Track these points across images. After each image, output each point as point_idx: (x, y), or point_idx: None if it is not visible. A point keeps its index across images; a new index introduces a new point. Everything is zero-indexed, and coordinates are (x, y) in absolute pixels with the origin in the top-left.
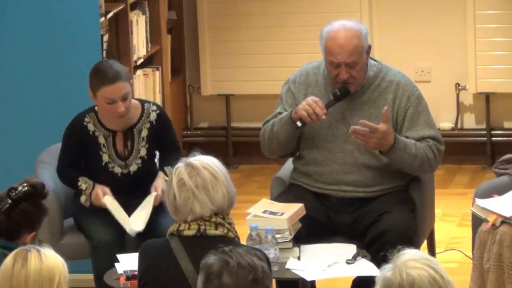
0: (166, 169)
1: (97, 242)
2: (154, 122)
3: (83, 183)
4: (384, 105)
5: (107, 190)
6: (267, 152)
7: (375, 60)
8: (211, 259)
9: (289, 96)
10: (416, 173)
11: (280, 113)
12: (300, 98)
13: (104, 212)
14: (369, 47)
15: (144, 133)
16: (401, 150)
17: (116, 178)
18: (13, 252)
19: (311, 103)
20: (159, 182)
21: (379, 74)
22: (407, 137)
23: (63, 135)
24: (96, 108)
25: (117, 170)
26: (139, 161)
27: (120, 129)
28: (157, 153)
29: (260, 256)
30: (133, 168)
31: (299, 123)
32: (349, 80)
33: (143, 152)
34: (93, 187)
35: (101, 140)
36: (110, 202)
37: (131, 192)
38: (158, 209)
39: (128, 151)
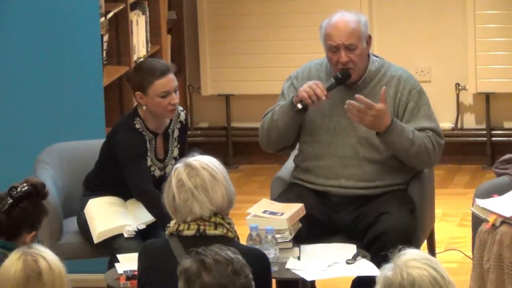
0: None
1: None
2: (183, 122)
3: None
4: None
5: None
6: (265, 144)
7: (377, 57)
8: (187, 262)
9: (291, 91)
10: (414, 163)
11: None
12: None
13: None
14: (369, 37)
15: (176, 133)
16: (397, 134)
17: (155, 180)
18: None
19: (312, 85)
20: None
21: (381, 69)
22: None
23: (122, 147)
24: (139, 111)
25: (157, 173)
26: (173, 161)
27: (162, 132)
28: None
29: (234, 250)
30: (168, 169)
31: (299, 105)
32: (349, 64)
33: (176, 152)
34: None
35: (147, 144)
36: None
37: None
38: None
39: (164, 152)
